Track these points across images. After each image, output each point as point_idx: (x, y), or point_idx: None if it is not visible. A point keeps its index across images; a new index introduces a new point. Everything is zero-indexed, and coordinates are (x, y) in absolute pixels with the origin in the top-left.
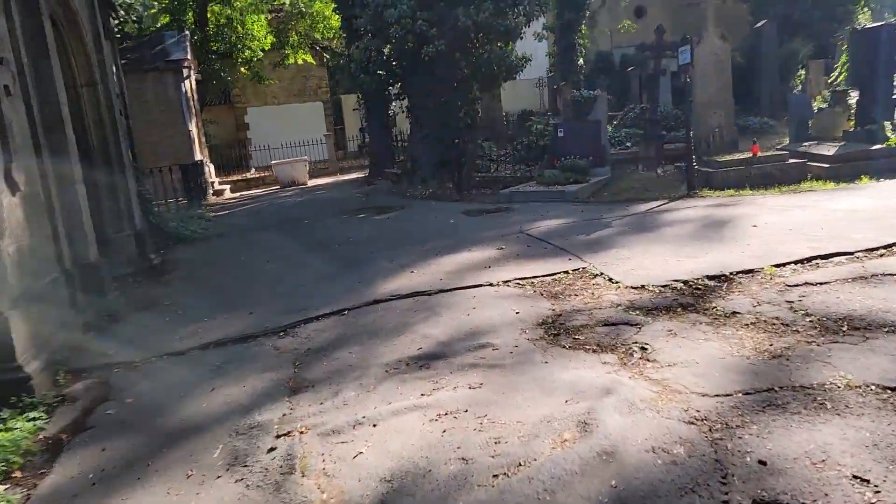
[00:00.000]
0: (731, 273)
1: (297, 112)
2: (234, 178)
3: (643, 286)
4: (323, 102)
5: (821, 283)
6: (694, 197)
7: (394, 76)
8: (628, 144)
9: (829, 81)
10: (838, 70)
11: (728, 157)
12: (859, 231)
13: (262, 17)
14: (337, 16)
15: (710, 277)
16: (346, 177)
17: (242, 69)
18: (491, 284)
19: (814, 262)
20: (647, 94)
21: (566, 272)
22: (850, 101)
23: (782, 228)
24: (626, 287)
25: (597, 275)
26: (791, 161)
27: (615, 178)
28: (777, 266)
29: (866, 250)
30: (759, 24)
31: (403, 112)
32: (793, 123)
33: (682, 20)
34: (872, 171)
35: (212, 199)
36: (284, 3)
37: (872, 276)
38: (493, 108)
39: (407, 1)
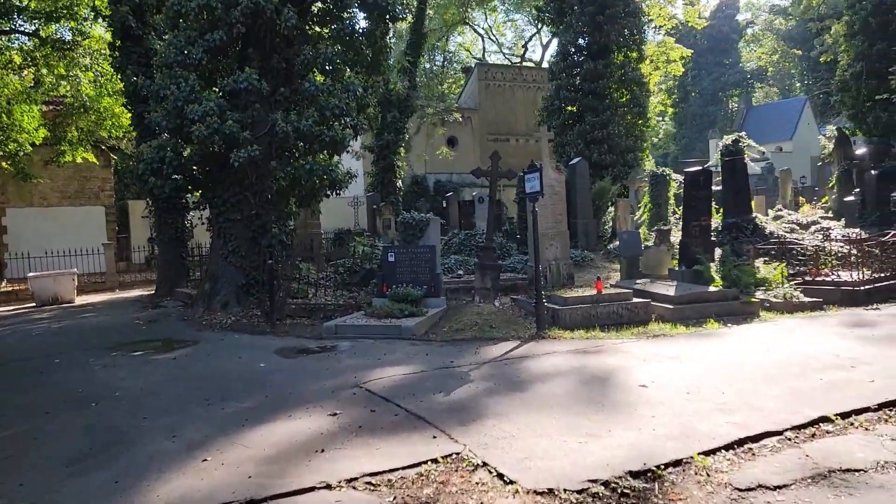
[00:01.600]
0: (656, 467)
1: (71, 217)
2: None
3: (552, 490)
4: (105, 207)
5: (779, 488)
6: (546, 339)
7: (193, 181)
8: (460, 272)
9: (635, 219)
10: (642, 209)
11: (573, 293)
12: (765, 396)
13: (35, 107)
14: (129, 113)
15: (633, 475)
16: (128, 294)
17: (4, 164)
18: (329, 487)
19: (745, 445)
20: (466, 220)
21: (435, 461)
22: (672, 240)
23: (678, 391)
24: (529, 492)
25: (479, 465)
26: (636, 300)
27: (451, 311)
28: (706, 454)
29: (794, 428)
30: (573, 161)
31: (203, 223)
32: (624, 260)
33: (489, 153)
34: (713, 314)
35: None
36: (66, 96)
37: (830, 471)
38: (311, 226)
39: (215, 98)
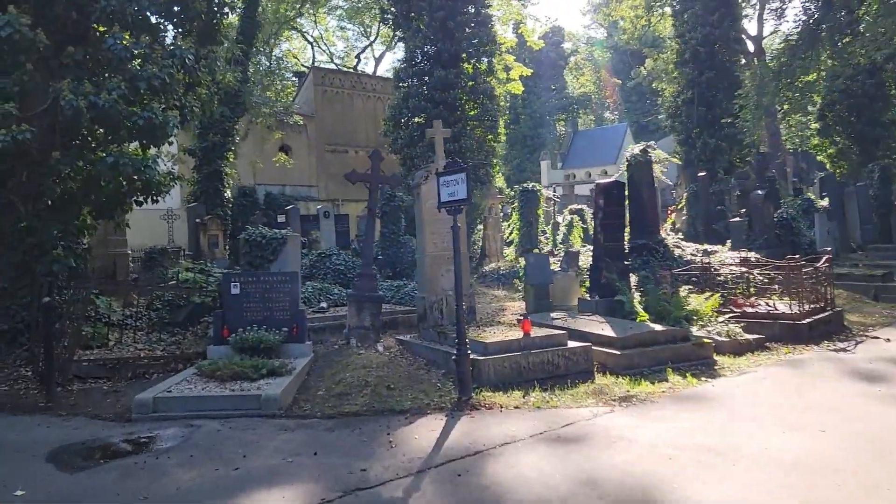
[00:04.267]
0: None
1: None
2: None
3: None
4: None
5: None
6: (478, 408)
7: None
8: (323, 305)
9: (504, 237)
10: (511, 228)
11: (493, 337)
12: None
13: None
14: None
15: None
16: None
17: None
18: None
19: None
20: (306, 237)
21: None
22: (580, 264)
23: None
24: None
25: None
26: (572, 345)
27: (323, 361)
28: None
29: None
30: None
31: None
32: (532, 288)
33: (327, 165)
34: (668, 361)
35: None
36: None
37: None
38: (115, 244)
39: None
